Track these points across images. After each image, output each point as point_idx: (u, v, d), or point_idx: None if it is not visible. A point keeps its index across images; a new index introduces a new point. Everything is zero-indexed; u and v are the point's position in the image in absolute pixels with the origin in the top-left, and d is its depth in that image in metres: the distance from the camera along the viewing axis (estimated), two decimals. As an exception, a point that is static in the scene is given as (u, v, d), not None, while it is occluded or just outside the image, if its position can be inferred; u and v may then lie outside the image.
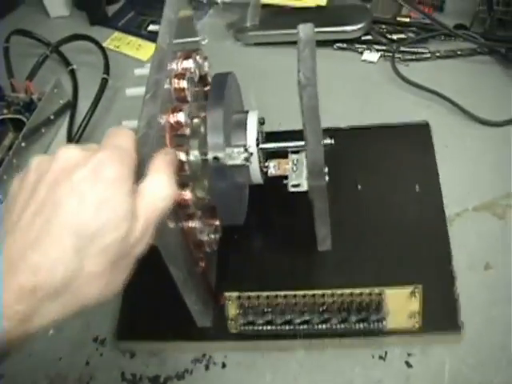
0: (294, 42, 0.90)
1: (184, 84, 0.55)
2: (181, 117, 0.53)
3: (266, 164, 0.64)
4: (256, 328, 0.62)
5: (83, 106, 0.92)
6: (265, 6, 0.98)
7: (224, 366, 0.65)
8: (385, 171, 0.74)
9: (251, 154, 0.61)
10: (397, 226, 0.69)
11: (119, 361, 0.67)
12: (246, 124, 0.62)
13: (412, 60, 0.87)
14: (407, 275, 0.63)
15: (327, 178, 0.59)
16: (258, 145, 0.61)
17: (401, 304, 0.60)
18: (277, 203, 0.70)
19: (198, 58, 0.61)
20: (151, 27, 1.05)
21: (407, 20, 0.91)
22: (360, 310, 0.60)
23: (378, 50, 0.89)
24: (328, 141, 0.60)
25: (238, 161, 0.59)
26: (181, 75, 0.56)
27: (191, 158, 0.55)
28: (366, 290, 0.60)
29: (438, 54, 0.87)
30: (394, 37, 0.89)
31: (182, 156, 0.54)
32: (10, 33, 0.97)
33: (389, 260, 0.66)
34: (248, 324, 0.62)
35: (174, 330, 0.66)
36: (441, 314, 0.62)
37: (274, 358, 0.64)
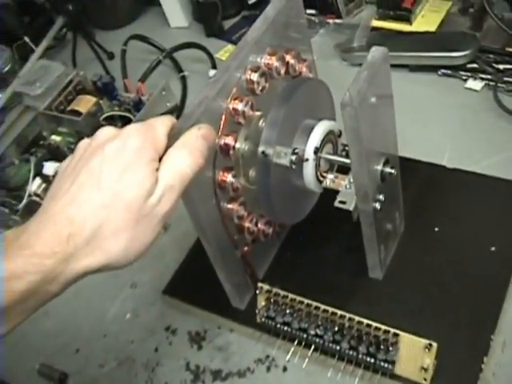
0: (400, 66, 0.91)
1: (254, 77, 0.58)
2: (239, 106, 0.57)
3: (325, 174, 0.64)
4: (275, 324, 0.65)
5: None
6: (374, 28, 0.99)
7: (285, 369, 0.66)
8: (467, 221, 0.72)
9: (307, 159, 0.61)
10: (457, 278, 0.67)
11: (186, 351, 0.70)
12: (311, 130, 0.62)
13: (517, 91, 0.86)
14: (439, 330, 0.62)
15: (378, 205, 0.59)
16: (316, 152, 0.62)
17: (415, 354, 0.59)
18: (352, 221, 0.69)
19: (288, 57, 0.63)
20: (263, 42, 1.07)
21: (516, 51, 0.89)
22: (371, 344, 0.60)
23: (482, 79, 0.88)
24: (387, 169, 0.60)
25: (284, 161, 0.60)
26: (255, 68, 0.59)
27: (237, 145, 0.57)
28: (383, 327, 0.59)
29: (544, 87, 0.85)
30: (501, 67, 0.87)
31: (229, 140, 0.57)
32: (129, 37, 1.03)
33: (429, 309, 0.65)
34: (269, 318, 0.65)
35: (215, 302, 0.69)
36: (457, 381, 0.60)
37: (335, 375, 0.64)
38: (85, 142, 0.48)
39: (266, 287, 0.65)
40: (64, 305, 0.75)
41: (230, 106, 0.57)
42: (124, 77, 0.99)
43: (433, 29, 0.95)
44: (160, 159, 0.46)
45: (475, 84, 0.88)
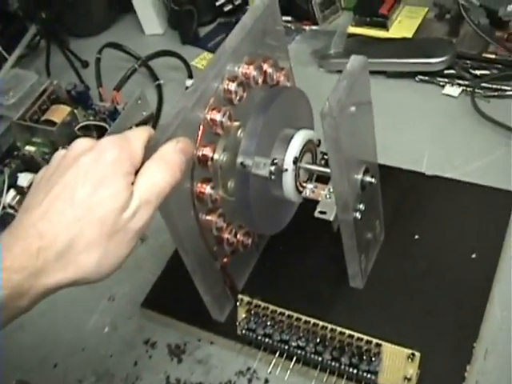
0: (377, 72, 0.91)
1: (232, 87, 0.57)
2: (217, 116, 0.56)
3: (304, 184, 0.64)
4: (256, 336, 0.64)
5: (165, 120, 0.95)
6: (351, 35, 0.98)
7: (267, 381, 0.65)
8: (447, 228, 0.71)
9: (286, 170, 0.61)
10: (438, 286, 0.66)
11: (166, 365, 0.68)
12: (290, 140, 0.61)
13: (494, 97, 0.85)
14: (422, 339, 0.61)
15: (358, 214, 0.59)
16: (295, 162, 0.61)
17: (398, 364, 0.58)
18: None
19: (266, 66, 0.62)
20: (240, 50, 1.07)
21: (493, 56, 0.89)
22: (354, 354, 0.59)
23: (459, 85, 0.88)
24: (368, 178, 0.60)
25: (263, 172, 0.59)
26: (233, 78, 0.58)
27: (215, 156, 0.57)
28: (365, 337, 0.59)
29: (521, 92, 0.85)
30: (478, 72, 0.87)
31: (207, 151, 0.56)
32: (103, 45, 1.01)
33: (411, 318, 0.64)
34: (250, 330, 0.64)
35: (195, 315, 0.68)
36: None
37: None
38: (60, 153, 0.48)
39: (247, 299, 0.64)
40: (40, 317, 0.74)
41: (208, 117, 0.56)
42: (99, 85, 0.97)
43: (409, 35, 0.95)
44: (136, 172, 0.45)
45: (453, 90, 0.88)
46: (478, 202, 0.73)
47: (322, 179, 0.63)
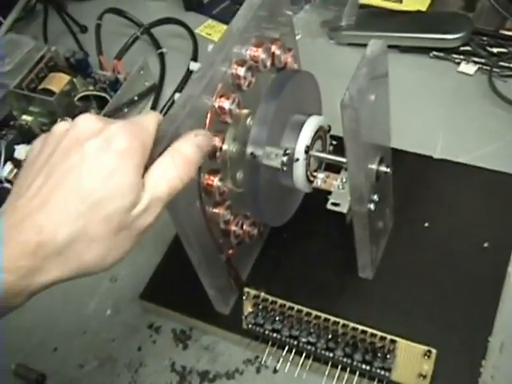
0: (390, 46, 0.87)
1: (241, 72, 0.54)
2: (225, 104, 0.52)
3: (315, 173, 0.61)
4: (264, 331, 0.61)
5: (168, 91, 0.92)
6: (363, 6, 0.94)
7: (275, 371, 0.63)
8: (458, 215, 0.69)
9: (297, 159, 0.58)
10: (450, 277, 0.64)
11: (171, 351, 0.66)
12: (301, 127, 0.58)
13: (511, 76, 0.83)
14: (435, 334, 0.59)
15: (372, 206, 0.56)
16: (307, 151, 0.58)
17: (413, 360, 0.56)
18: (339, 216, 0.64)
19: (274, 48, 0.59)
20: (245, 17, 1.03)
21: (511, 34, 0.86)
22: (368, 351, 0.57)
23: (475, 63, 0.85)
24: (383, 168, 0.57)
25: (274, 163, 0.56)
26: (241, 62, 0.54)
27: (225, 146, 0.54)
28: (380, 333, 0.57)
29: (539, 72, 0.82)
30: (495, 50, 0.84)
31: (216, 142, 0.53)
32: (104, 11, 0.97)
33: (423, 311, 0.62)
34: (257, 325, 0.61)
35: (196, 306, 0.65)
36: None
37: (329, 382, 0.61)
38: (61, 127, 0.43)
39: (253, 292, 0.61)
40: (38, 299, 0.69)
41: (216, 105, 0.52)
42: (99, 54, 0.93)
43: (424, 8, 0.91)
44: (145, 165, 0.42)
45: (468, 68, 0.85)
46: (488, 188, 0.71)
47: (332, 167, 0.61)
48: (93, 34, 0.97)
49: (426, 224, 0.69)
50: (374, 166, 0.56)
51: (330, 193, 0.59)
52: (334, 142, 0.63)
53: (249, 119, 0.56)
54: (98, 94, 0.88)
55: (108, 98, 0.87)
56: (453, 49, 0.86)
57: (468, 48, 0.86)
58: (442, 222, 0.68)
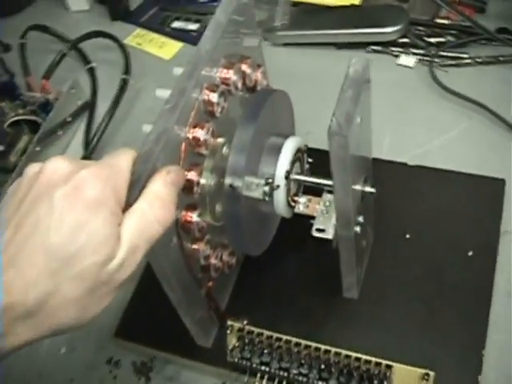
0: (326, 44, 0.86)
1: (214, 98, 0.50)
2: (200, 134, 0.49)
3: (296, 198, 0.59)
4: (251, 365, 0.58)
5: (102, 108, 0.88)
6: (296, 4, 0.93)
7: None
8: (440, 224, 0.66)
9: (277, 186, 0.55)
10: (436, 290, 0.62)
11: (134, 385, 0.63)
12: (279, 151, 0.56)
13: (451, 66, 0.82)
14: (428, 351, 0.57)
15: (358, 228, 0.54)
16: (287, 177, 0.56)
17: None
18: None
19: (244, 67, 0.56)
20: (175, 24, 1.00)
21: (446, 22, 0.85)
22: (363, 378, 0.55)
23: (414, 54, 0.84)
24: (368, 189, 0.54)
25: (256, 194, 0.54)
26: (213, 87, 0.51)
27: (202, 180, 0.50)
28: (374, 359, 0.55)
29: (478, 60, 0.81)
30: (433, 40, 0.84)
31: (193, 176, 0.49)
32: (27, 28, 0.93)
33: (413, 328, 0.60)
34: (244, 359, 0.58)
35: (173, 341, 0.62)
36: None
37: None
38: (32, 169, 0.40)
39: (237, 325, 0.58)
40: None
41: (190, 136, 0.49)
42: (26, 74, 0.89)
43: (357, 2, 0.90)
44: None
45: (408, 60, 0.84)
46: (467, 193, 0.69)
47: (311, 189, 0.59)
48: (17, 52, 0.93)
49: (407, 235, 0.66)
50: (359, 187, 0.53)
51: (312, 217, 0.57)
52: (310, 160, 0.61)
53: (225, 148, 0.53)
54: (29, 118, 0.83)
55: (40, 121, 0.83)
56: (390, 42, 0.85)
57: (406, 40, 0.85)
58: (423, 232, 0.66)
